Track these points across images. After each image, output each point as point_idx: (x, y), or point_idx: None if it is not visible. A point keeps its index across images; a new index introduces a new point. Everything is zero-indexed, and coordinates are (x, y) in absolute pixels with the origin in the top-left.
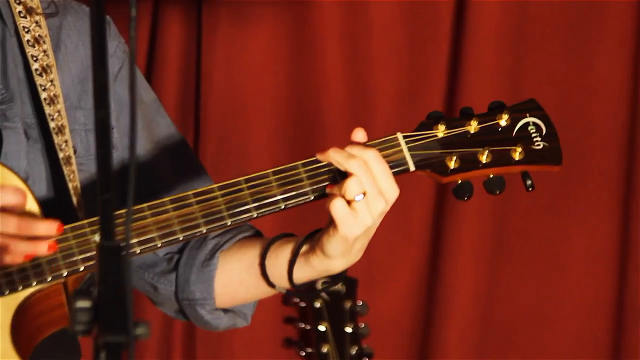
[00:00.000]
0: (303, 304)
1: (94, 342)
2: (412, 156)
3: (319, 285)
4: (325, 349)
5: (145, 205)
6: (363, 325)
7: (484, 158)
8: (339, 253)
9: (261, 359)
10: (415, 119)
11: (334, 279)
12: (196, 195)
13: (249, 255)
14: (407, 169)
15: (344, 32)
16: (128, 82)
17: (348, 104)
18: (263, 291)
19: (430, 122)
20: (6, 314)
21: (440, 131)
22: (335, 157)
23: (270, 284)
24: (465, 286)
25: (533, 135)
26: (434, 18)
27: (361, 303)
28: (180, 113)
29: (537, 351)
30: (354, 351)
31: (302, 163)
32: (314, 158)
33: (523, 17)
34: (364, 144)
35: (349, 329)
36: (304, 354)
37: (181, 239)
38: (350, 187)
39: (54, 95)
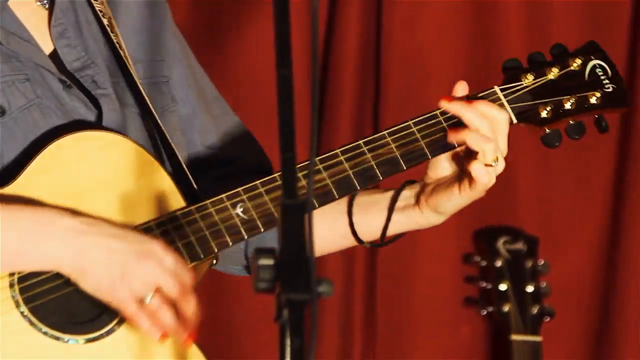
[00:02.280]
0: (484, 263)
1: (277, 300)
2: (512, 109)
3: (500, 246)
4: (506, 308)
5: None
6: (544, 285)
7: (568, 105)
8: (455, 210)
9: (442, 314)
10: None
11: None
12: (322, 161)
13: (332, 211)
14: (511, 122)
15: None
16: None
17: None
18: (345, 245)
19: (514, 73)
20: None
21: (529, 81)
22: (470, 116)
23: (360, 241)
24: None
25: (602, 78)
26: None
27: (542, 262)
28: (361, 74)
29: None
30: (535, 310)
31: (414, 122)
32: (422, 116)
33: None
34: (468, 99)
35: (530, 288)
36: (485, 312)
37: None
38: (489, 154)
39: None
